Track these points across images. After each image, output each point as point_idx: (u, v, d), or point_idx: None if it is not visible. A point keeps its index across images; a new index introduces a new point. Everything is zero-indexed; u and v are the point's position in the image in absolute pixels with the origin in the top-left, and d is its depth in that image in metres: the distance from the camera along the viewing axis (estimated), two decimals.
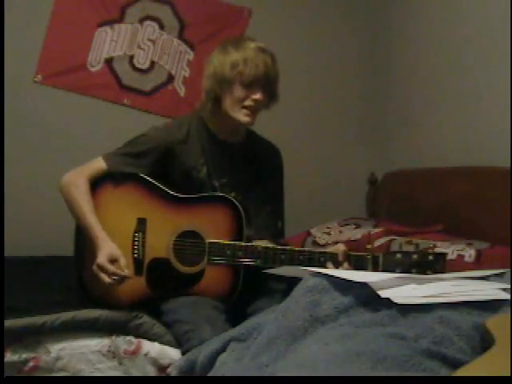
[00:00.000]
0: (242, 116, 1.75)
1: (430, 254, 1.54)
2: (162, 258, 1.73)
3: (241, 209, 1.73)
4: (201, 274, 1.72)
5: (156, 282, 1.73)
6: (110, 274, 1.63)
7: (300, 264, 1.61)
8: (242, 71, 1.71)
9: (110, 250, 1.65)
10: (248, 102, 1.74)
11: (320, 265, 1.59)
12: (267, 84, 1.75)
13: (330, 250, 1.69)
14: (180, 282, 1.73)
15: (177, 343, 1.63)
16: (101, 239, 1.67)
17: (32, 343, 1.61)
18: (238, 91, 1.73)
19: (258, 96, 1.73)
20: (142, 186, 1.78)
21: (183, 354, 1.56)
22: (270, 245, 1.72)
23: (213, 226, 1.73)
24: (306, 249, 1.71)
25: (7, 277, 1.67)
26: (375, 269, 1.57)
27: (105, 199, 1.77)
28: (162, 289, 1.74)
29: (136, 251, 1.75)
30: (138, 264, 1.74)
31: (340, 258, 1.60)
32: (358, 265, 1.59)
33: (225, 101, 1.77)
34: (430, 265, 1.52)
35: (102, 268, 1.63)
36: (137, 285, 1.73)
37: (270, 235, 1.88)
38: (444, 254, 1.55)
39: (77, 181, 1.75)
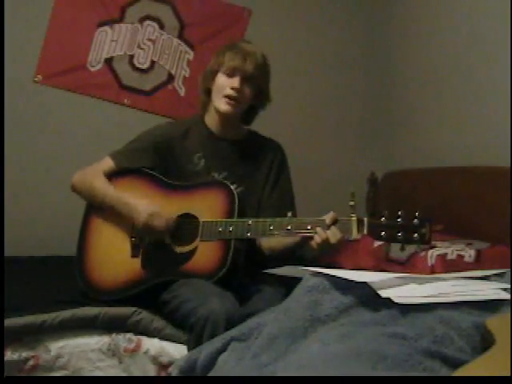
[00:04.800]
0: (221, 104, 1.83)
1: (415, 217, 1.53)
2: (157, 239, 1.77)
3: (233, 189, 1.77)
4: (193, 251, 1.74)
5: (151, 262, 1.77)
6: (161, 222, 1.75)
7: (289, 232, 1.65)
8: (223, 61, 1.82)
9: (148, 209, 1.75)
10: (227, 91, 1.81)
11: (308, 232, 1.63)
12: (246, 75, 1.81)
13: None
14: (173, 261, 1.76)
15: (182, 323, 1.61)
16: (133, 203, 1.78)
17: (32, 342, 1.61)
18: (220, 80, 1.83)
19: (235, 83, 1.80)
20: (143, 177, 1.88)
21: (190, 327, 1.55)
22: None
23: (208, 207, 1.78)
24: (295, 218, 1.71)
25: (7, 277, 1.67)
26: (360, 232, 1.58)
27: None
28: (155, 268, 1.77)
29: (134, 235, 1.81)
30: (135, 247, 1.81)
31: (327, 222, 1.62)
32: (344, 228, 1.60)
33: (212, 92, 1.87)
34: (415, 228, 1.52)
35: (152, 216, 1.74)
36: (133, 267, 1.78)
37: None
38: (430, 220, 1.54)
39: (93, 173, 1.86)
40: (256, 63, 1.83)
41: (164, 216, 1.76)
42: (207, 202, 1.79)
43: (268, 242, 1.86)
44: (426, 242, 1.53)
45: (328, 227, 1.62)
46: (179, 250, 1.77)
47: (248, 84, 1.83)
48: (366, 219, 1.59)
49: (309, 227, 1.64)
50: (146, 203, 1.77)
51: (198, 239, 1.74)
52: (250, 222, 1.70)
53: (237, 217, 1.74)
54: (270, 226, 1.68)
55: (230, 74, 1.82)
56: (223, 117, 1.88)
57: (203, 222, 1.75)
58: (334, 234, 1.61)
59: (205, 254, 1.74)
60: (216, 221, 1.74)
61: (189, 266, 1.74)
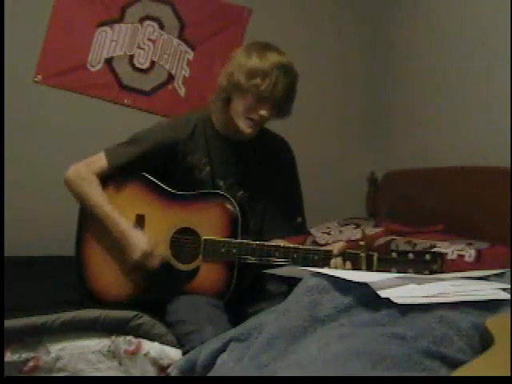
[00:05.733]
0: (244, 126, 1.73)
1: (426, 253, 1.51)
2: (158, 254, 1.74)
3: (236, 206, 1.72)
4: (196, 270, 1.72)
5: (152, 278, 1.74)
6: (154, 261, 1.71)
7: (294, 261, 1.61)
8: (259, 85, 1.68)
9: (146, 240, 1.70)
10: (254, 116, 1.72)
11: (314, 264, 1.57)
12: (279, 103, 1.73)
13: (326, 247, 1.68)
14: (175, 279, 1.74)
15: (178, 343, 1.63)
16: (128, 229, 1.71)
17: (32, 343, 1.61)
18: (249, 102, 1.71)
19: (265, 113, 1.71)
20: (142, 183, 1.79)
21: (184, 354, 1.56)
22: (286, 244, 1.71)
23: (209, 223, 1.73)
24: (301, 246, 1.69)
25: (7, 277, 1.67)
26: (369, 268, 1.55)
27: (106, 195, 1.77)
28: (157, 285, 1.74)
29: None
30: None
31: (335, 252, 1.58)
32: (352, 263, 1.57)
33: (234, 105, 1.75)
34: (426, 264, 1.49)
35: (147, 256, 1.69)
36: (134, 281, 1.75)
37: (287, 232, 1.87)
38: (441, 254, 1.52)
39: (88, 176, 1.76)
40: (289, 90, 1.72)
41: (157, 256, 1.70)
42: (209, 218, 1.74)
43: None
44: None
45: (334, 257, 1.58)
46: (182, 267, 1.73)
47: (274, 107, 1.74)
48: (375, 255, 1.55)
49: (316, 258, 1.60)
50: (142, 238, 1.70)
51: (201, 258, 1.70)
52: (255, 245, 1.65)
53: (240, 236, 1.70)
54: (275, 252, 1.63)
55: (261, 100, 1.70)
56: (239, 134, 1.78)
57: (205, 239, 1.70)
58: (337, 265, 1.57)
59: (208, 273, 1.71)
60: (218, 240, 1.69)
61: (192, 285, 1.71)
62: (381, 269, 1.53)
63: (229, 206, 1.73)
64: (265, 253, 1.64)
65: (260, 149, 1.88)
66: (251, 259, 1.65)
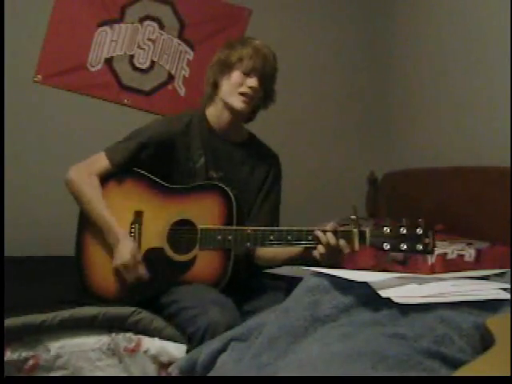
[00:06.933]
0: (237, 101, 1.81)
1: (418, 227, 1.50)
2: (156, 247, 1.75)
3: (232, 195, 1.74)
4: (193, 260, 1.73)
5: (150, 271, 1.74)
6: (131, 275, 1.72)
7: (288, 242, 1.63)
8: (243, 59, 1.80)
9: (132, 252, 1.71)
10: (244, 89, 1.80)
11: (308, 242, 1.61)
12: (263, 76, 1.81)
13: (319, 227, 1.67)
14: (173, 270, 1.74)
15: (182, 330, 1.62)
16: (121, 236, 1.73)
17: (31, 342, 1.61)
18: (236, 77, 1.80)
19: (253, 83, 1.79)
20: (139, 180, 1.82)
21: (189, 336, 1.56)
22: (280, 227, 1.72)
23: (205, 213, 1.75)
24: (294, 228, 1.69)
25: (7, 276, 1.67)
26: (362, 243, 1.55)
27: (105, 194, 1.80)
28: (155, 277, 1.75)
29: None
30: None
31: (327, 227, 1.59)
32: (345, 239, 1.57)
33: (222, 86, 1.83)
34: (418, 238, 1.49)
35: (126, 267, 1.71)
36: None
37: None
38: (433, 229, 1.51)
39: (89, 178, 1.80)
40: (272, 65, 1.84)
41: (138, 267, 1.72)
42: (205, 208, 1.76)
43: (267, 254, 1.84)
44: (429, 252, 1.51)
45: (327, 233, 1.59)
46: (178, 258, 1.74)
47: (261, 84, 1.82)
48: (367, 230, 1.55)
49: (310, 238, 1.61)
50: (128, 249, 1.70)
51: (197, 247, 1.71)
52: (249, 230, 1.66)
53: (235, 224, 1.72)
54: (269, 235, 1.64)
55: (248, 73, 1.80)
56: (235, 114, 1.84)
57: (201, 229, 1.71)
58: (330, 241, 1.57)
59: (205, 262, 1.72)
60: (214, 228, 1.70)
61: (189, 275, 1.72)
62: (373, 244, 1.54)
63: (224, 195, 1.75)
64: (259, 237, 1.66)
65: (250, 154, 1.93)
66: (247, 245, 1.67)
